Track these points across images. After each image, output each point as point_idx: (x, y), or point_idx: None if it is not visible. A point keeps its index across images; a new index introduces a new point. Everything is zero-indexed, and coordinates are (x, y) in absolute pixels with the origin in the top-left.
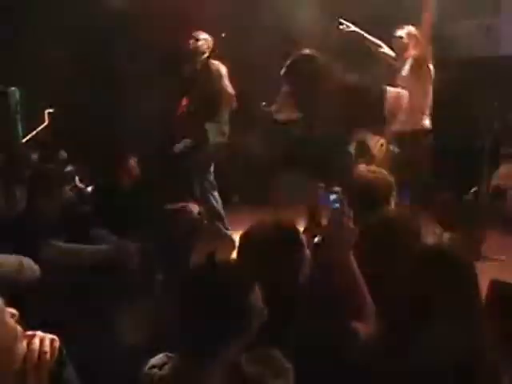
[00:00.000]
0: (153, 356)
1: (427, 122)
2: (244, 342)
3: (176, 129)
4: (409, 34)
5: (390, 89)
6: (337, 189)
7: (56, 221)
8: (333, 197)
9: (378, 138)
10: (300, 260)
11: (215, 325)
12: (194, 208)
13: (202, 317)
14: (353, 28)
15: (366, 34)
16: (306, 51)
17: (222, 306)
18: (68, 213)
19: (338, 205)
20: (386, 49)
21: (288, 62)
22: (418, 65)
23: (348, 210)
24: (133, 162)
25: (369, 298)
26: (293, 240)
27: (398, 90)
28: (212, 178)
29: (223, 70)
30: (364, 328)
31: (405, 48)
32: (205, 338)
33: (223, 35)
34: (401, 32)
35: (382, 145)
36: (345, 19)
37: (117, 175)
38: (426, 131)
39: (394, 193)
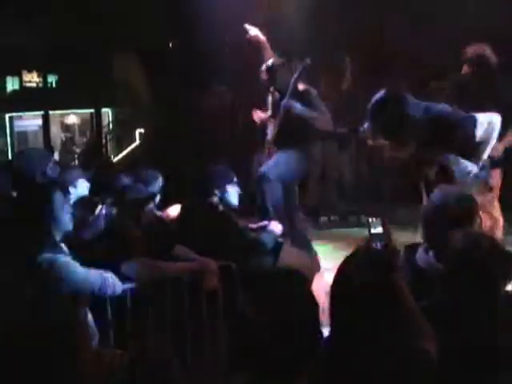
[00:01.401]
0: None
1: None
2: None
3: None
4: None
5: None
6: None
7: (140, 237)
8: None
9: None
10: None
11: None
12: (277, 227)
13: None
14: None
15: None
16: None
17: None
18: (151, 229)
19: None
20: None
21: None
22: None
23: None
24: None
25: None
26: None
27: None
28: (296, 198)
29: None
30: (430, 347)
31: None
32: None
33: None
34: None
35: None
36: None
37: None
38: None
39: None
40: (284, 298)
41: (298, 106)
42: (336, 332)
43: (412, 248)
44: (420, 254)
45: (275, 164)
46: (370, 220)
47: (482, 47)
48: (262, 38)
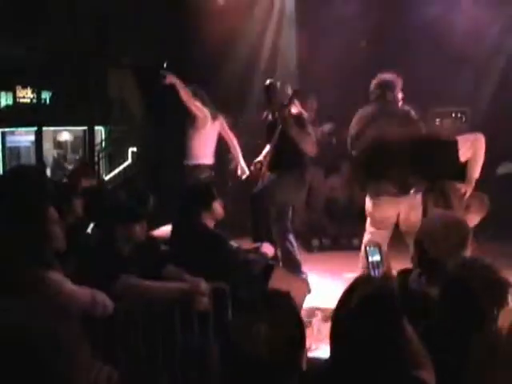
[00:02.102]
0: None
1: None
2: None
3: None
4: None
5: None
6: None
7: (131, 256)
8: (372, 249)
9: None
10: None
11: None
12: (269, 249)
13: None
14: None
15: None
16: None
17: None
18: (142, 248)
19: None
20: None
21: None
22: None
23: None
24: (219, 204)
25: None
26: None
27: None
28: (288, 221)
29: None
30: (426, 375)
31: None
32: None
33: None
34: None
35: (464, 193)
36: None
37: (202, 215)
38: None
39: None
40: (273, 321)
41: (294, 128)
42: (336, 359)
43: (405, 273)
44: (413, 278)
45: (269, 186)
46: (368, 247)
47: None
48: (176, 80)
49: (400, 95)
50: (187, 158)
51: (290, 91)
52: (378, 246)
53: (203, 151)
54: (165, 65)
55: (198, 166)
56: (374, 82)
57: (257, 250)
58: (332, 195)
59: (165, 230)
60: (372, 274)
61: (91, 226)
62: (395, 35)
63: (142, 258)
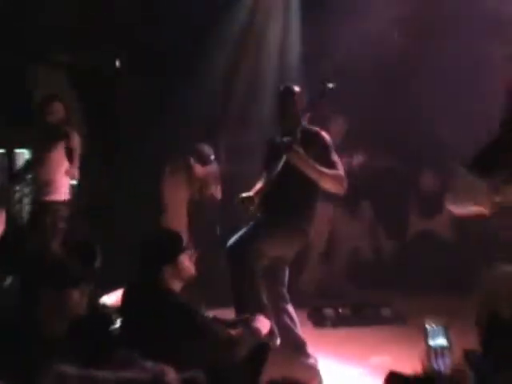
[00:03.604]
0: None
1: None
2: None
3: None
4: None
5: None
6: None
7: (67, 335)
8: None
9: None
10: None
11: None
12: (263, 323)
13: None
14: None
15: None
16: None
17: None
18: (83, 324)
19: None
20: None
21: None
22: None
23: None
24: (187, 258)
25: None
26: None
27: None
28: (284, 285)
29: None
30: None
31: None
32: None
33: None
34: None
35: None
36: None
37: (164, 274)
38: None
39: None
40: None
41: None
42: None
43: (472, 353)
44: (480, 359)
45: (255, 234)
46: (428, 326)
47: None
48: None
49: None
50: None
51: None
52: (444, 326)
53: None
54: (117, 64)
55: None
56: None
57: (245, 323)
58: (353, 245)
59: (119, 295)
60: (434, 366)
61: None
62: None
63: (84, 337)
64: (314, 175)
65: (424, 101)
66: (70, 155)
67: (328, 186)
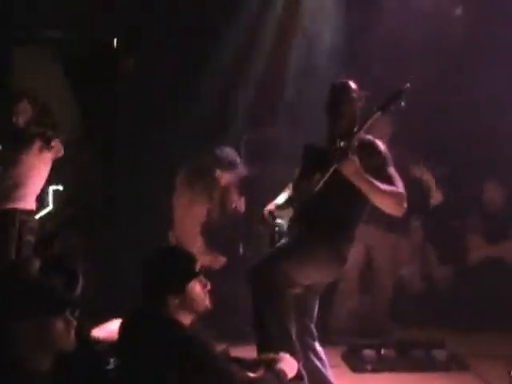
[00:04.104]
0: None
1: None
2: None
3: None
4: None
5: None
6: None
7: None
8: None
9: None
10: None
11: None
12: (289, 364)
13: None
14: None
15: None
16: None
17: None
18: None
19: None
20: None
21: None
22: None
23: None
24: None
25: None
26: None
27: None
28: (312, 319)
29: None
30: None
31: None
32: None
33: None
34: None
35: None
36: None
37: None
38: None
39: None
40: None
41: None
42: None
43: None
44: None
45: (285, 254)
46: None
47: None
48: None
49: None
50: None
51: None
52: None
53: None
54: (115, 42)
55: None
56: None
57: (269, 363)
58: (399, 274)
59: (114, 327)
60: None
61: None
62: None
63: (73, 378)
64: (369, 191)
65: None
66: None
67: (385, 204)
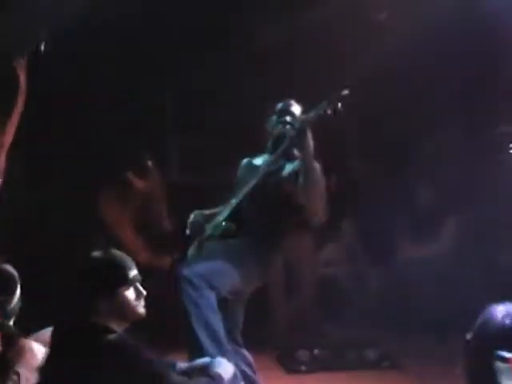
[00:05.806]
0: None
1: None
2: None
3: None
4: None
5: None
6: None
7: None
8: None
9: None
10: None
11: None
12: (225, 369)
13: None
14: None
15: None
16: None
17: None
18: None
19: None
20: None
21: None
22: None
23: None
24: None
25: None
26: None
27: None
28: (238, 331)
29: None
30: None
31: None
32: None
33: None
34: None
35: None
36: None
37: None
38: None
39: None
40: None
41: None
42: None
43: None
44: None
45: (210, 262)
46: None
47: None
48: None
49: None
50: None
51: None
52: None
53: None
54: (42, 47)
55: None
56: None
57: (203, 369)
58: (328, 274)
59: (40, 337)
60: None
61: None
62: None
63: None
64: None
65: None
66: None
67: (314, 206)
